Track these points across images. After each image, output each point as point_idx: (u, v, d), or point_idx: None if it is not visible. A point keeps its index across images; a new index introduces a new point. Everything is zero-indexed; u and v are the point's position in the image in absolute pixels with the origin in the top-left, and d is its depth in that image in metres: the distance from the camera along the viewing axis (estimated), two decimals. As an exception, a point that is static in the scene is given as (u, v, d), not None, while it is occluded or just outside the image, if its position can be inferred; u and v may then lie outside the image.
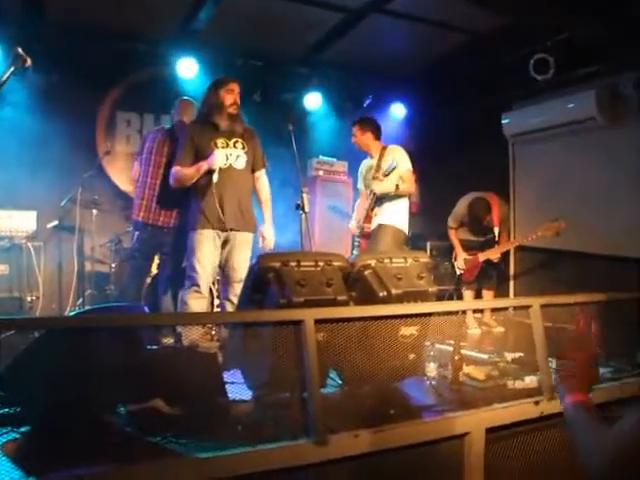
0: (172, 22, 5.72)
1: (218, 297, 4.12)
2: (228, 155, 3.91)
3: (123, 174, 6.51)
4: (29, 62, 3.29)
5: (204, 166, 3.83)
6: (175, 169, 3.96)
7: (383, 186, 4.79)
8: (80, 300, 5.54)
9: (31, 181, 5.34)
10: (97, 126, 6.39)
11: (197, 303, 3.89)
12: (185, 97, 4.80)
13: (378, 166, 4.95)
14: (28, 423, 2.34)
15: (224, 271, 4.07)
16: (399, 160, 4.80)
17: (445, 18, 5.59)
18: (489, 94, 6.35)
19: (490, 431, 2.56)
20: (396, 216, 4.88)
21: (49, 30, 5.50)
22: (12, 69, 3.25)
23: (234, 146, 3.97)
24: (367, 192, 5.01)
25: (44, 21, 5.49)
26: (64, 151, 5.71)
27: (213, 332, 3.39)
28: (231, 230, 3.91)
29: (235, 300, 3.88)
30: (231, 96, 3.93)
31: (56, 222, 5.73)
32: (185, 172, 3.91)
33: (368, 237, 4.93)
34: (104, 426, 2.39)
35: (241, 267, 3.94)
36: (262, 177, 4.17)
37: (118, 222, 5.96)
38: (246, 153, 4.01)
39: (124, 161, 6.53)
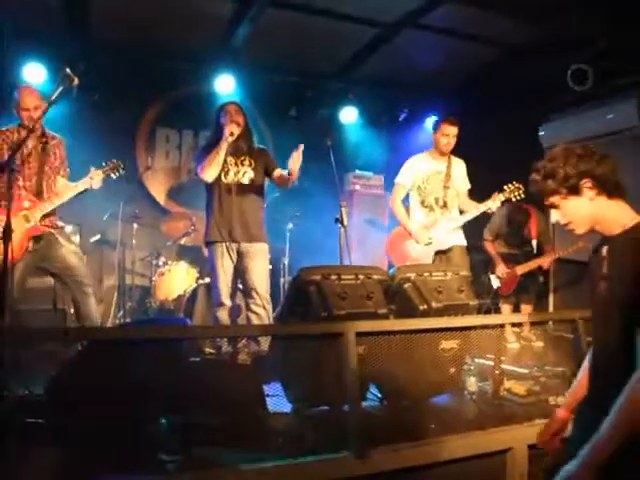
0: (210, 40, 5.84)
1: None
2: (234, 164, 4.12)
3: (163, 189, 6.65)
4: (76, 81, 3.42)
5: (222, 143, 3.97)
6: (200, 166, 4.09)
7: (478, 207, 4.45)
8: (121, 312, 5.64)
9: (75, 197, 5.48)
10: (137, 142, 6.55)
11: (224, 315, 4.08)
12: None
13: (448, 175, 4.59)
14: (74, 433, 2.39)
15: (243, 283, 4.22)
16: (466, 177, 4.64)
17: (479, 31, 5.57)
18: (524, 106, 6.28)
19: (533, 447, 2.52)
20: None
21: (93, 49, 5.68)
22: (60, 89, 3.38)
23: (241, 163, 4.16)
24: (429, 199, 4.55)
25: (88, 40, 5.67)
26: (106, 167, 5.85)
27: (250, 344, 3.42)
28: (241, 242, 4.04)
29: (258, 310, 3.99)
30: (228, 119, 4.09)
31: (98, 236, 5.87)
32: (208, 157, 4.03)
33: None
34: (148, 437, 2.43)
35: (258, 278, 4.05)
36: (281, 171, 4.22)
37: (158, 236, 6.07)
38: (253, 169, 4.17)
39: (163, 176, 6.68)
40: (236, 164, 4.14)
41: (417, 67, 6.31)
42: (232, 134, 3.99)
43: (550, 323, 4.00)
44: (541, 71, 5.88)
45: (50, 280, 5.38)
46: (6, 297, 2.93)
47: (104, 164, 3.98)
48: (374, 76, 6.63)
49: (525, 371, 3.48)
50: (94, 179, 3.87)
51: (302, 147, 3.85)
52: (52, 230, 3.88)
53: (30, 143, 3.83)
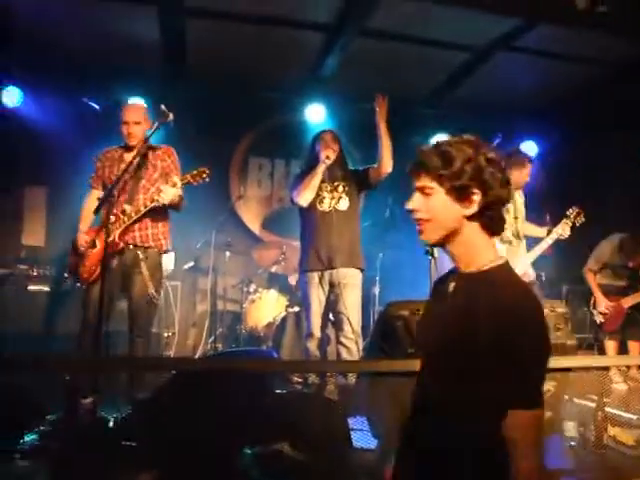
0: (301, 70, 5.97)
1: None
2: (329, 191, 4.11)
3: (255, 217, 6.80)
4: (171, 117, 3.59)
5: (318, 167, 4.01)
6: (295, 191, 4.14)
7: (549, 235, 4.57)
8: (212, 338, 5.78)
9: (171, 224, 5.72)
10: (231, 171, 6.76)
11: (313, 346, 4.05)
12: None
13: (514, 206, 4.63)
14: (160, 459, 2.44)
15: (335, 314, 4.14)
16: None
17: (576, 50, 5.35)
18: (629, 128, 5.95)
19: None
20: None
21: (187, 82, 5.95)
22: (157, 124, 3.56)
23: (336, 190, 4.14)
24: (506, 234, 4.55)
25: (184, 74, 5.96)
26: (200, 196, 6.05)
27: (337, 377, 3.38)
28: (339, 268, 3.98)
29: (348, 344, 3.91)
30: (323, 146, 4.11)
31: (192, 263, 6.06)
32: (303, 181, 4.08)
33: None
34: (231, 467, 2.44)
35: (351, 310, 3.96)
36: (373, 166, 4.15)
37: (249, 264, 6.20)
38: (348, 194, 4.14)
39: (256, 205, 6.84)
40: (331, 191, 4.13)
41: (511, 90, 6.14)
42: (329, 157, 4.01)
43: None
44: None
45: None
46: (102, 324, 3.07)
47: (186, 173, 3.78)
48: (466, 101, 6.51)
49: (634, 417, 3.18)
50: (163, 191, 3.62)
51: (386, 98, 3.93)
52: (136, 247, 3.70)
53: (128, 158, 3.78)
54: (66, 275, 4.07)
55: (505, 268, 1.49)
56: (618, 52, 5.27)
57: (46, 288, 5.37)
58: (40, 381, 2.88)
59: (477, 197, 1.44)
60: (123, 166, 3.69)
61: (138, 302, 3.68)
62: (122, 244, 3.67)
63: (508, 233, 4.60)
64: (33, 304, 5.27)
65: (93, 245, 3.72)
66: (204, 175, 3.76)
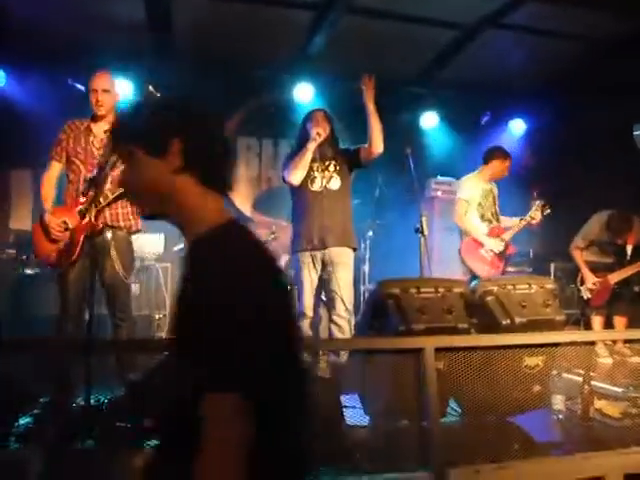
0: (289, 48, 5.91)
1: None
2: (320, 170, 4.09)
3: (245, 198, 6.79)
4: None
5: (309, 144, 3.99)
6: (286, 170, 4.13)
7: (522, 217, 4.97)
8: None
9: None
10: (219, 152, 6.71)
11: (305, 326, 4.05)
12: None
13: (492, 193, 5.05)
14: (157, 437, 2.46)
15: (327, 293, 4.14)
16: None
17: (564, 28, 5.34)
18: (616, 105, 5.96)
19: (629, 478, 2.34)
20: None
21: (174, 63, 5.88)
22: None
23: (327, 169, 4.11)
24: (487, 214, 4.98)
25: (171, 53, 5.89)
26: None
27: (329, 355, 3.42)
28: (332, 247, 3.98)
29: (340, 322, 3.93)
30: (314, 124, 4.08)
31: (182, 245, 6.05)
32: (294, 159, 4.06)
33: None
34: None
35: (343, 289, 3.97)
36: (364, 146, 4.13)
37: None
38: (339, 173, 4.12)
39: (244, 185, 6.82)
40: (322, 170, 4.10)
41: (499, 68, 6.12)
42: (319, 134, 3.99)
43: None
44: (635, 67, 5.57)
45: (135, 287, 5.60)
46: (92, 306, 3.06)
47: None
48: (455, 80, 6.49)
49: (618, 390, 3.25)
50: None
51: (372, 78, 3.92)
52: (110, 229, 3.52)
53: (97, 130, 3.62)
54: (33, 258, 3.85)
55: (227, 228, 1.29)
56: (605, 29, 5.27)
57: (35, 271, 5.34)
58: (33, 364, 2.88)
59: (177, 147, 1.28)
60: (91, 138, 3.58)
61: (111, 285, 3.52)
62: (101, 225, 3.48)
63: (488, 213, 5.01)
64: (23, 287, 5.24)
65: (66, 228, 3.48)
66: None
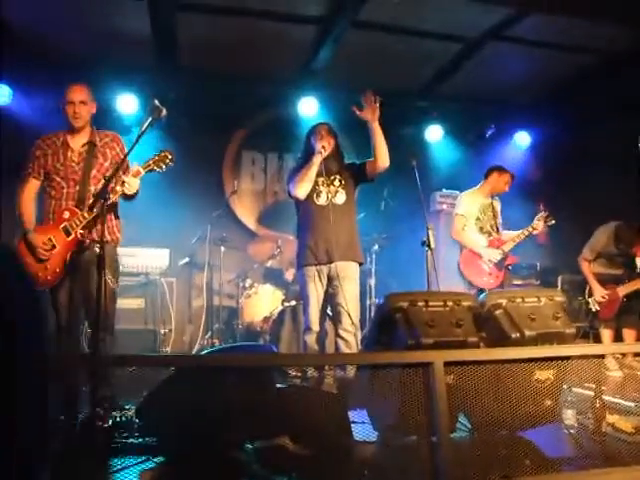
0: (293, 63, 5.95)
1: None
2: (326, 185, 4.08)
3: (250, 212, 6.79)
4: (164, 112, 3.51)
5: (314, 158, 3.97)
6: (292, 183, 4.12)
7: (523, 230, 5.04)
8: (209, 334, 5.77)
9: (165, 221, 5.71)
10: (224, 166, 6.74)
11: (311, 340, 4.03)
12: None
13: (493, 207, 5.15)
14: (162, 454, 2.44)
15: (333, 307, 4.12)
16: None
17: (568, 40, 5.35)
18: (621, 116, 5.96)
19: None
20: None
21: (181, 76, 5.92)
22: (150, 120, 3.49)
23: (332, 184, 4.11)
24: (487, 226, 5.10)
25: (177, 68, 5.92)
26: (194, 192, 6.07)
27: (336, 370, 3.38)
28: (338, 262, 3.96)
29: (347, 337, 3.91)
30: (318, 138, 4.07)
31: (187, 259, 6.05)
32: (300, 173, 4.04)
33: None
34: (232, 462, 2.44)
35: (349, 303, 3.95)
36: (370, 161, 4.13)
37: (244, 259, 6.19)
38: (344, 188, 4.11)
39: (249, 199, 6.83)
40: (328, 185, 4.10)
41: (504, 81, 6.15)
42: (324, 148, 3.98)
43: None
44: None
45: (140, 301, 5.60)
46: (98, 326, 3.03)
47: (148, 159, 3.50)
48: (459, 92, 6.51)
49: (632, 405, 3.20)
50: (126, 183, 3.39)
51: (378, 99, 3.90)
52: (93, 242, 3.45)
53: (75, 145, 3.58)
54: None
55: None
56: (609, 41, 5.28)
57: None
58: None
59: None
60: (69, 153, 3.53)
61: (98, 298, 3.35)
62: (88, 240, 3.45)
63: (487, 226, 5.12)
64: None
65: (52, 246, 3.42)
66: (167, 159, 3.50)
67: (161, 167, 3.49)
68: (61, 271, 3.41)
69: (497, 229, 5.09)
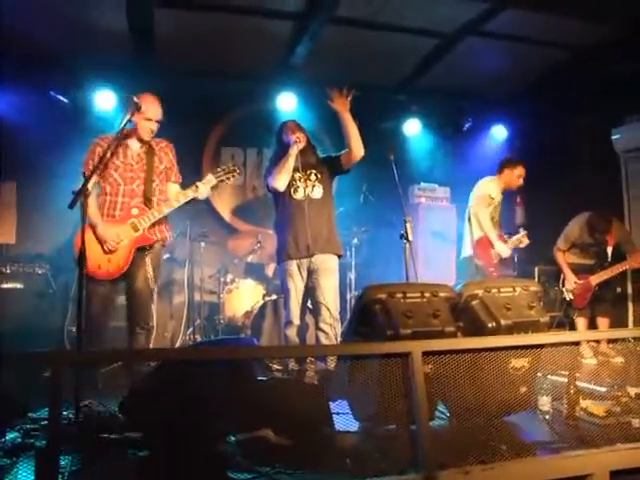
0: (271, 59, 5.96)
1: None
2: (303, 180, 4.12)
3: (228, 207, 6.79)
4: (143, 108, 3.55)
5: (291, 149, 4.01)
6: (270, 176, 4.14)
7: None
8: (190, 329, 5.77)
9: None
10: (203, 162, 6.72)
11: (292, 334, 4.08)
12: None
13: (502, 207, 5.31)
14: (146, 448, 2.46)
15: (313, 300, 4.15)
16: None
17: (541, 35, 5.43)
18: (596, 110, 6.07)
19: (615, 474, 2.37)
20: None
21: (158, 73, 5.88)
22: (128, 116, 3.52)
23: (309, 178, 4.15)
24: (496, 217, 5.26)
25: (154, 64, 5.89)
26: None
27: (317, 362, 3.42)
28: (317, 255, 4.00)
29: (326, 329, 3.96)
30: (292, 134, 4.09)
31: (167, 255, 6.02)
32: (277, 166, 4.08)
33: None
34: (216, 455, 2.46)
35: (328, 296, 4.01)
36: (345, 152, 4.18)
37: (225, 254, 6.20)
38: (321, 182, 4.16)
39: (228, 194, 6.82)
40: (304, 180, 4.13)
41: (480, 75, 6.22)
42: (299, 139, 4.01)
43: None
44: (614, 73, 5.68)
45: (121, 298, 5.55)
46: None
47: (218, 169, 3.87)
48: (436, 87, 6.57)
49: (603, 390, 3.29)
50: (199, 188, 3.72)
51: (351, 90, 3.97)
52: (159, 242, 3.76)
53: (133, 147, 3.76)
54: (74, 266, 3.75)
55: None
56: (582, 35, 5.37)
57: (19, 285, 5.28)
58: (22, 379, 2.85)
59: None
60: (129, 152, 3.71)
61: (140, 294, 3.67)
62: (154, 238, 3.68)
63: (497, 218, 5.27)
64: (6, 302, 5.18)
65: (120, 240, 3.61)
66: (236, 172, 3.85)
67: (229, 179, 3.85)
68: (125, 264, 3.59)
69: (500, 225, 5.27)
